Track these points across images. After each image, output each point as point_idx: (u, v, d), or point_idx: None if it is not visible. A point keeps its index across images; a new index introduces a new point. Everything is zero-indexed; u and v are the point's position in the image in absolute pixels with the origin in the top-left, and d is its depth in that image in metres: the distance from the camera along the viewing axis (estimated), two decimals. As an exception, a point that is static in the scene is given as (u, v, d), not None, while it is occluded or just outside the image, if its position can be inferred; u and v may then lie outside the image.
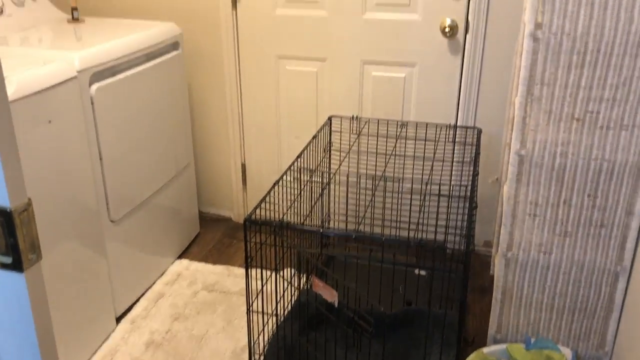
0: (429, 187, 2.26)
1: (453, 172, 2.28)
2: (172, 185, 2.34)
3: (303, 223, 1.93)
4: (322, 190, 1.96)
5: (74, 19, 2.25)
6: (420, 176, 2.30)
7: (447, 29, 2.14)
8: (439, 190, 1.93)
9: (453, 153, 2.11)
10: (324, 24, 2.31)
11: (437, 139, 2.20)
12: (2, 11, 2.10)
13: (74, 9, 2.23)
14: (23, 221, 0.75)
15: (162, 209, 2.28)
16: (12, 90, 1.47)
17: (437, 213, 2.04)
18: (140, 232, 2.15)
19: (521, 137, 1.59)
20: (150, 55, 2.11)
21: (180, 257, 2.46)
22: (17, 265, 0.75)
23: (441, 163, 2.25)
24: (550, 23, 1.47)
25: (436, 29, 2.18)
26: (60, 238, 1.70)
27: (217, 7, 2.38)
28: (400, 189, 2.33)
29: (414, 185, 2.32)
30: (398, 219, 2.37)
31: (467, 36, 2.15)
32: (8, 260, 0.75)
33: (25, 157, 1.52)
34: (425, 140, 2.24)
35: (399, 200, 2.35)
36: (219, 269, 2.37)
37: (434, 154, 2.03)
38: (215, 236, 2.63)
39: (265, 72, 2.45)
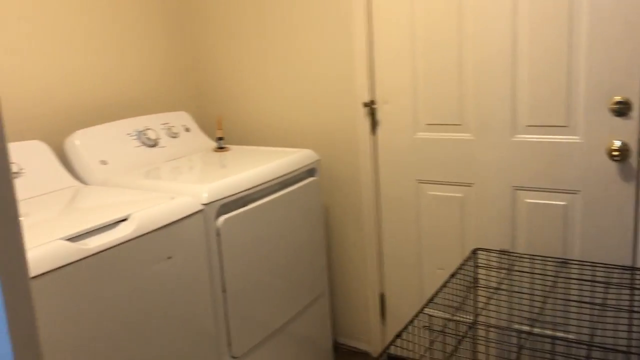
0: (596, 343, 1.84)
1: (629, 325, 1.84)
2: (304, 316, 2.21)
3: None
4: (464, 334, 1.68)
5: (220, 148, 2.33)
6: (589, 326, 1.89)
7: (615, 153, 1.82)
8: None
9: (631, 301, 1.71)
10: (468, 147, 2.11)
11: (607, 281, 1.81)
12: (156, 143, 2.24)
13: (219, 138, 2.32)
14: None
15: (291, 341, 2.15)
16: (133, 229, 1.48)
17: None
18: (265, 369, 2.02)
19: None
20: (284, 183, 2.09)
21: (309, 395, 2.27)
22: None
23: (613, 312, 1.83)
24: None
25: (602, 152, 1.87)
26: (173, 377, 1.63)
27: (356, 131, 2.32)
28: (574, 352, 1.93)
29: (579, 337, 1.92)
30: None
31: (642, 160, 1.80)
32: None
33: (140, 293, 1.50)
34: (593, 283, 1.86)
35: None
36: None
37: (604, 300, 1.66)
38: (350, 373, 2.42)
39: (405, 197, 2.29)
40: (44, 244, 1.30)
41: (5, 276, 0.63)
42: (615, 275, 1.85)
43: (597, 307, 1.85)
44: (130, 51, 2.41)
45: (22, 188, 1.76)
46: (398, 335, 1.50)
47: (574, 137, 1.92)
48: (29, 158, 1.85)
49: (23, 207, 1.65)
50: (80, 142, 2.01)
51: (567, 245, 1.99)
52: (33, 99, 2.06)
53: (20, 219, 0.65)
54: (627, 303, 1.83)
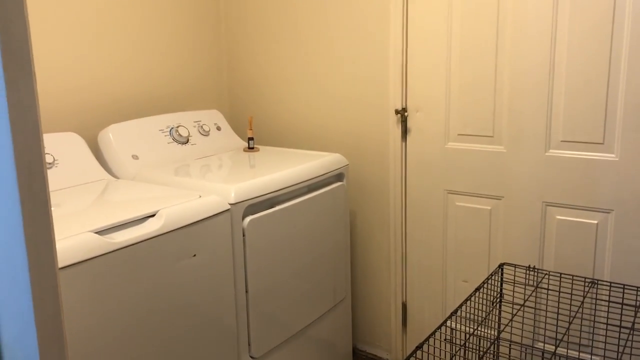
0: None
1: (662, 349, 1.79)
2: (325, 320, 2.21)
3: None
4: (486, 350, 1.65)
5: (250, 148, 2.34)
6: (616, 350, 1.85)
7: (652, 173, 1.77)
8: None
9: (660, 327, 1.66)
10: (500, 160, 2.08)
11: (637, 305, 1.77)
12: (187, 140, 2.26)
13: (250, 138, 2.33)
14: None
15: (310, 345, 2.15)
16: (160, 225, 1.49)
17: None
18: (283, 371, 2.02)
19: None
20: (312, 186, 2.09)
21: (325, 400, 2.26)
22: None
23: (643, 337, 1.79)
24: None
25: (638, 172, 1.82)
26: (192, 374, 1.64)
27: (387, 138, 2.31)
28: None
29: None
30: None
31: (681, 182, 1.75)
32: None
33: (163, 289, 1.51)
34: (622, 305, 1.81)
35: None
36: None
37: (633, 323, 1.61)
38: (367, 380, 2.40)
39: (433, 206, 2.26)
40: (72, 235, 1.32)
41: (35, 269, 0.64)
42: (646, 299, 1.80)
43: (625, 330, 1.80)
44: (166, 49, 2.44)
45: (55, 179, 1.80)
46: (419, 347, 1.48)
47: (609, 154, 1.87)
48: (63, 149, 1.88)
49: (55, 198, 1.68)
50: (113, 136, 2.05)
51: (597, 265, 1.94)
52: (70, 92, 2.10)
53: (51, 210, 0.66)
54: (657, 328, 1.78)
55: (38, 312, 0.64)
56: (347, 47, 2.35)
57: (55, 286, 0.66)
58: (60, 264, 1.25)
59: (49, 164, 1.80)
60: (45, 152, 1.81)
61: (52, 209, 1.56)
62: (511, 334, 1.90)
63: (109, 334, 1.38)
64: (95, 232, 1.38)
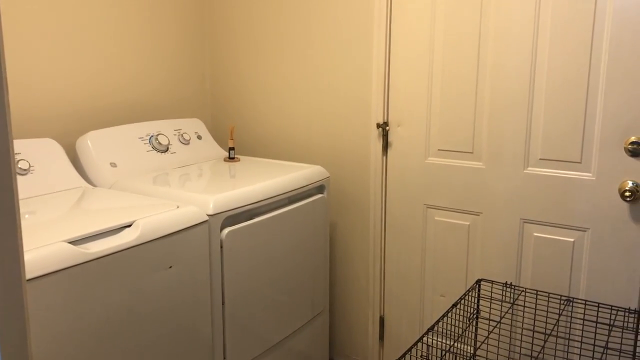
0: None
1: (634, 368, 1.81)
2: (303, 333, 2.19)
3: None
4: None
5: (230, 158, 2.33)
6: (589, 366, 1.86)
7: (627, 193, 1.79)
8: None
9: (635, 347, 1.67)
10: (479, 176, 2.09)
11: (611, 323, 1.78)
12: (167, 149, 2.25)
13: (230, 148, 2.32)
14: None
15: (287, 358, 2.13)
16: (137, 236, 1.47)
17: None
18: (258, 384, 2.00)
19: None
20: (293, 198, 2.08)
21: (301, 414, 2.24)
22: None
23: (616, 356, 1.80)
24: None
25: (613, 192, 1.84)
26: (165, 387, 1.62)
27: (367, 151, 2.31)
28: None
29: (580, 377, 1.88)
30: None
31: (655, 203, 1.78)
32: None
33: (138, 300, 1.49)
34: (597, 324, 1.83)
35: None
36: None
37: (607, 342, 1.63)
38: (343, 394, 2.38)
39: (412, 221, 2.27)
40: (46, 245, 1.30)
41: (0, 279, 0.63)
42: (619, 318, 1.82)
43: (599, 348, 1.82)
44: (147, 57, 2.42)
45: (30, 185, 1.77)
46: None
47: (586, 174, 1.89)
48: (40, 156, 1.85)
49: (30, 205, 1.65)
50: (91, 143, 2.02)
51: (573, 282, 1.96)
52: (48, 98, 2.07)
53: (20, 221, 0.65)
54: (630, 347, 1.79)
55: (2, 329, 0.62)
56: (331, 60, 2.36)
57: (21, 300, 0.65)
58: (32, 274, 1.23)
59: (25, 170, 1.77)
60: (21, 158, 1.78)
61: (26, 216, 1.53)
62: (487, 351, 1.91)
63: (81, 346, 1.36)
64: (69, 242, 1.35)
